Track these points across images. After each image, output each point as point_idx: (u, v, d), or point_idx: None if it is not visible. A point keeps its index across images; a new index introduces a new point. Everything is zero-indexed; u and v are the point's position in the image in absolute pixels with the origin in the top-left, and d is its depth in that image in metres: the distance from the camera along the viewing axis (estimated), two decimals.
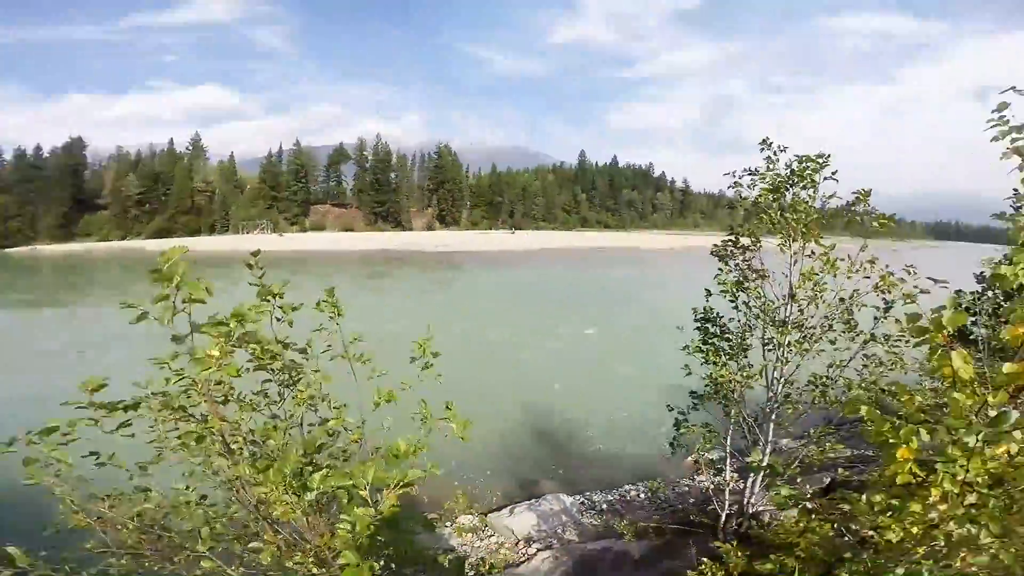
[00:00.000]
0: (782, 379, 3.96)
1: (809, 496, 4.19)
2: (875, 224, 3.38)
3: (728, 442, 4.11)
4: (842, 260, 3.46)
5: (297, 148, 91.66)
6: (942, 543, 2.32)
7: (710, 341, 4.16)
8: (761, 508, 4.08)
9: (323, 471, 1.65)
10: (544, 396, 9.55)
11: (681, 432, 4.21)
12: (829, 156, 3.67)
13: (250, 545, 1.77)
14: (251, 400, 1.82)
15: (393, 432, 1.98)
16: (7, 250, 60.94)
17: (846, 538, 3.11)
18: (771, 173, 3.86)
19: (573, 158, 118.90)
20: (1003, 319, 2.55)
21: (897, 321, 2.96)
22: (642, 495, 5.64)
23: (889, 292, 3.09)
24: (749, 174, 4.00)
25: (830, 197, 3.61)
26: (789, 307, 3.83)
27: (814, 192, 3.63)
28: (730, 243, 4.04)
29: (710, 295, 4.15)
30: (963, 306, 5.47)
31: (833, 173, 3.60)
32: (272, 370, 1.82)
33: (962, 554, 2.28)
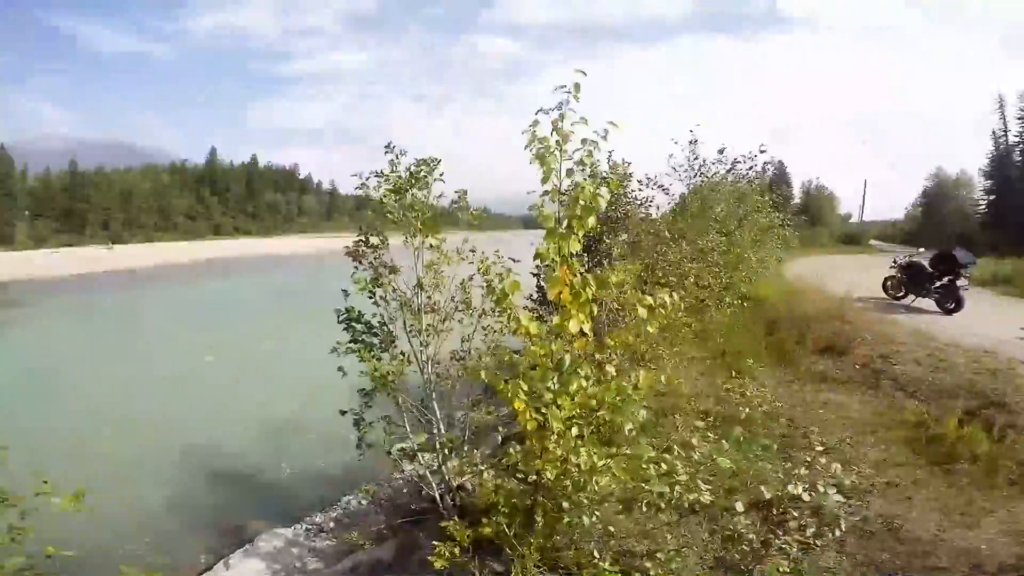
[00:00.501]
0: (428, 360, 4.36)
1: (478, 459, 4.57)
2: (471, 219, 4.19)
3: (408, 428, 4.23)
4: (453, 251, 4.17)
5: None
6: (576, 473, 2.82)
7: (359, 339, 4.28)
8: (461, 479, 4.38)
9: None
10: (203, 434, 8.03)
11: (364, 432, 4.25)
12: (439, 160, 4.28)
13: None
14: None
15: None
16: None
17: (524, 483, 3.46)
18: (394, 175, 4.21)
19: (202, 156, 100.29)
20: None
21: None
22: (364, 501, 5.49)
23: (487, 273, 3.85)
24: (375, 176, 4.29)
25: (439, 196, 4.24)
26: (420, 296, 4.30)
27: (428, 192, 4.19)
28: (362, 243, 4.24)
29: (348, 295, 4.28)
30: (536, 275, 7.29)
31: (441, 175, 4.22)
32: None
33: (594, 478, 2.84)
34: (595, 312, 2.56)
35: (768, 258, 11.57)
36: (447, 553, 3.16)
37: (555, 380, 2.72)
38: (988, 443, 4.59)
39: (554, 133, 2.62)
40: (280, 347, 13.68)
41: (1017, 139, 39.78)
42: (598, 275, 2.63)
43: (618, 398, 2.74)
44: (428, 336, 4.37)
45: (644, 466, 2.80)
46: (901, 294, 10.81)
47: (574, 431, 2.80)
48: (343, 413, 4.31)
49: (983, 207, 41.83)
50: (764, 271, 11.53)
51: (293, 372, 10.86)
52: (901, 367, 6.59)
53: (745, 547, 3.23)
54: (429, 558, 3.19)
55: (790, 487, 3.09)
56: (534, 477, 3.07)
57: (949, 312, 9.55)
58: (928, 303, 10.10)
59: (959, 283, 9.68)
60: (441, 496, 4.28)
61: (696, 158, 11.14)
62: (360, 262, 4.30)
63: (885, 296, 11.10)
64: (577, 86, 2.54)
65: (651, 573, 3.00)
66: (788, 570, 3.11)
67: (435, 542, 3.27)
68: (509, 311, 2.69)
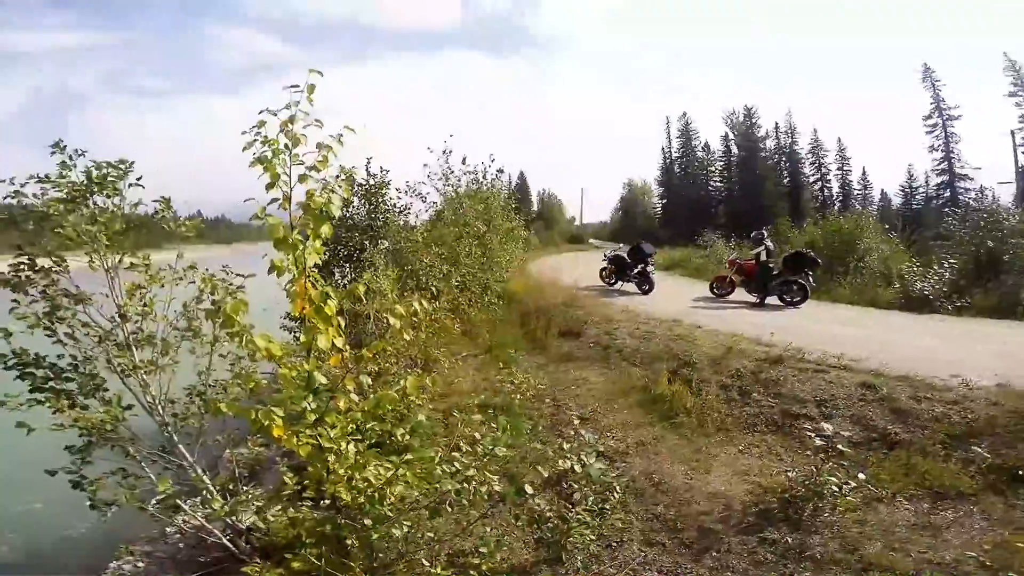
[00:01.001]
0: (157, 401, 3.59)
1: (260, 494, 4.18)
2: (183, 229, 3.53)
3: (154, 478, 3.42)
4: (164, 269, 3.44)
5: None
6: (369, 489, 2.67)
7: (45, 387, 3.25)
8: (251, 519, 3.89)
9: None
10: None
11: (92, 490, 3.34)
12: (133, 163, 3.47)
13: None
14: None
15: None
16: None
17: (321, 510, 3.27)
18: (65, 181, 3.28)
19: None
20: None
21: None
22: (139, 564, 4.35)
23: (214, 292, 3.32)
24: (37, 180, 3.26)
25: (136, 205, 3.44)
26: (125, 327, 3.45)
27: (120, 200, 3.36)
28: (24, 267, 3.18)
29: (10, 335, 3.17)
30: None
31: (138, 179, 3.44)
32: None
33: (387, 490, 2.72)
34: (342, 325, 2.43)
35: (513, 258, 12.94)
36: None
37: (310, 400, 2.51)
38: (692, 397, 5.69)
39: (283, 135, 2.40)
40: None
41: (678, 154, 53.52)
42: (345, 287, 2.52)
43: (401, 406, 2.69)
44: (147, 374, 3.56)
45: (435, 468, 2.81)
46: (613, 281, 13.39)
47: (351, 448, 2.66)
48: (52, 473, 3.27)
49: (659, 209, 55.17)
50: (511, 270, 12.87)
51: None
52: (621, 341, 7.96)
53: (550, 525, 3.52)
54: None
55: (561, 463, 3.42)
56: (327, 501, 2.84)
57: (645, 292, 12.22)
58: (631, 287, 12.75)
59: (649, 269, 12.48)
60: (232, 541, 3.70)
61: (449, 167, 11.78)
62: (25, 292, 3.22)
63: (602, 283, 13.61)
64: (312, 87, 2.38)
65: (482, 567, 3.06)
66: (593, 538, 3.51)
67: None
68: (242, 334, 2.35)
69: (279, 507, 3.84)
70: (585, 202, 76.41)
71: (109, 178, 3.34)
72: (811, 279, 10.35)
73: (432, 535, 3.38)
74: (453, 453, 3.02)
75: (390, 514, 2.89)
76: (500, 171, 13.25)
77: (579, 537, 3.47)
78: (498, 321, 9.55)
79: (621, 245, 15.48)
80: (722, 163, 51.63)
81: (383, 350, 2.92)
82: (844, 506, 3.79)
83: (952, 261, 10.93)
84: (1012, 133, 32.64)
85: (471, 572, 3.09)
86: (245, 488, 4.19)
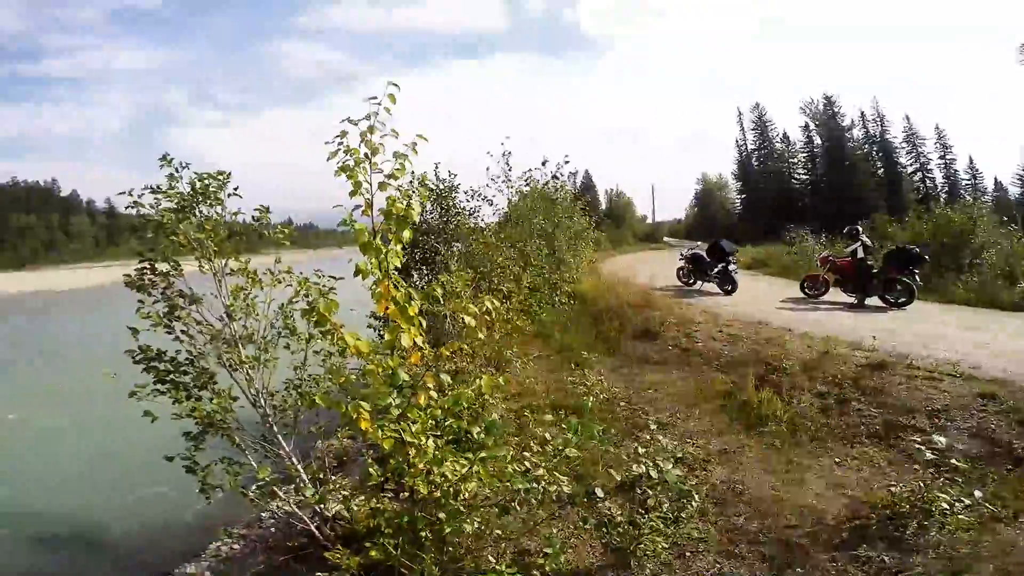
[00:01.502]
0: (260, 394, 3.89)
1: (347, 483, 4.33)
2: (279, 237, 3.80)
3: (255, 466, 3.75)
4: (265, 272, 3.73)
5: None
6: (445, 484, 2.77)
7: (166, 379, 3.63)
8: (336, 508, 4.09)
9: None
10: (24, 501, 6.60)
11: (202, 475, 3.68)
12: (230, 174, 3.80)
13: None
14: None
15: None
16: None
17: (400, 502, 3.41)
18: (175, 192, 3.64)
19: None
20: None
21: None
22: (236, 545, 4.86)
23: (308, 293, 3.54)
24: (151, 192, 3.64)
25: (235, 214, 3.76)
26: (232, 325, 3.78)
27: (221, 209, 3.69)
28: (146, 271, 3.57)
29: (138, 333, 3.58)
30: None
31: (235, 190, 3.76)
32: None
33: (462, 486, 2.81)
34: (423, 324, 2.52)
35: (583, 259, 12.82)
36: None
37: (394, 396, 2.63)
38: (782, 405, 5.29)
39: (363, 145, 2.52)
40: (90, 394, 11.04)
41: (753, 147, 50.61)
42: (423, 289, 2.61)
43: (477, 404, 2.75)
44: (251, 369, 3.87)
45: (507, 467, 2.84)
46: (691, 281, 12.87)
47: (431, 443, 2.75)
48: (170, 459, 3.65)
49: (738, 204, 52.39)
50: (581, 270, 12.75)
51: (109, 423, 8.83)
52: (703, 344, 7.61)
53: (620, 530, 3.44)
54: None
55: (635, 467, 3.32)
56: (406, 494, 2.99)
57: (728, 293, 11.63)
58: (712, 287, 12.18)
59: (731, 268, 11.86)
60: (318, 528, 3.94)
61: (510, 169, 11.88)
62: (148, 293, 3.62)
63: (679, 283, 13.11)
64: (392, 97, 2.48)
65: (546, 567, 3.05)
66: (666, 546, 3.37)
67: (321, 574, 3.13)
68: (333, 333, 2.50)
69: (363, 497, 3.99)
70: (656, 199, 74.05)
71: (211, 188, 3.67)
72: (917, 278, 9.38)
73: (500, 532, 3.39)
74: (524, 453, 3.03)
75: (462, 509, 2.95)
76: (572, 174, 13.20)
77: (650, 544, 3.35)
78: (570, 322, 9.48)
79: (699, 243, 14.86)
80: (804, 154, 48.23)
81: (459, 349, 2.98)
82: (955, 525, 3.38)
83: None
84: None
85: (534, 572, 3.06)
86: (333, 478, 4.41)
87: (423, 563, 2.88)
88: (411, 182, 2.65)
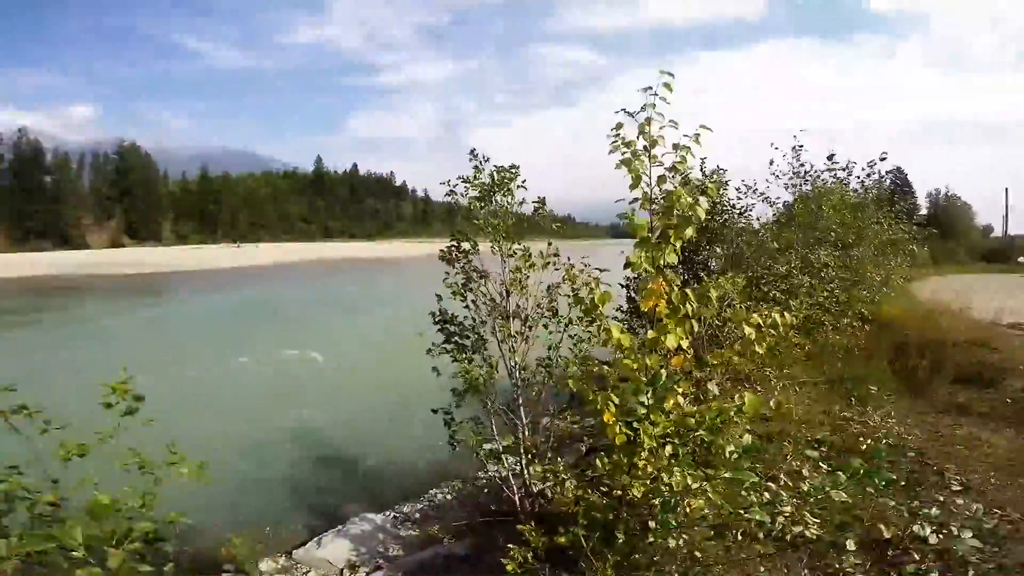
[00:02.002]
0: (516, 366, 4.33)
1: (562, 467, 4.45)
2: (553, 227, 4.10)
3: (495, 430, 4.25)
4: (538, 255, 4.11)
5: None
6: (666, 493, 2.67)
7: (452, 340, 4.35)
8: (542, 486, 4.35)
9: (12, 537, 1.68)
10: (305, 422, 8.65)
11: (453, 430, 4.33)
12: (519, 167, 4.24)
13: None
14: None
15: (106, 487, 1.99)
16: None
17: (606, 497, 3.37)
18: (478, 182, 4.24)
19: (309, 164, 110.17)
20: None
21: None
22: (449, 496, 5.67)
23: (573, 281, 3.73)
24: (463, 182, 4.33)
25: (521, 203, 4.19)
26: (507, 301, 4.27)
27: (512, 199, 4.16)
28: (454, 247, 4.30)
29: (441, 299, 4.36)
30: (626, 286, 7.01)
31: (523, 182, 4.18)
32: None
33: (686, 500, 2.70)
34: (695, 328, 2.35)
35: (893, 276, 10.28)
36: (520, 558, 3.12)
37: (648, 395, 2.56)
38: None
39: (641, 137, 2.46)
40: (388, 344, 14.38)
41: None
42: (696, 290, 2.42)
43: (719, 419, 2.52)
44: (516, 342, 4.33)
45: (744, 493, 2.55)
46: None
47: (667, 449, 2.63)
48: (435, 412, 4.39)
49: None
50: (888, 290, 10.26)
51: (396, 369, 11.37)
52: None
53: None
54: (503, 560, 3.16)
55: (915, 528, 2.78)
56: (619, 492, 2.96)
57: None
58: None
59: None
60: (521, 500, 4.24)
61: (802, 165, 10.19)
62: (452, 266, 4.36)
63: None
64: (668, 87, 2.37)
65: None
66: None
67: (510, 545, 3.25)
68: (599, 322, 2.55)
69: (572, 483, 4.03)
70: (1010, 208, 54.24)
71: (506, 179, 4.16)
72: None
73: (698, 554, 3.02)
74: (768, 482, 2.70)
75: (673, 523, 2.71)
76: (888, 172, 10.63)
77: None
78: (857, 349, 7.80)
79: None
80: None
81: (729, 360, 2.70)
82: None
83: None
84: None
85: None
86: (550, 456, 4.59)
87: (606, 562, 2.80)
88: (684, 176, 2.47)
